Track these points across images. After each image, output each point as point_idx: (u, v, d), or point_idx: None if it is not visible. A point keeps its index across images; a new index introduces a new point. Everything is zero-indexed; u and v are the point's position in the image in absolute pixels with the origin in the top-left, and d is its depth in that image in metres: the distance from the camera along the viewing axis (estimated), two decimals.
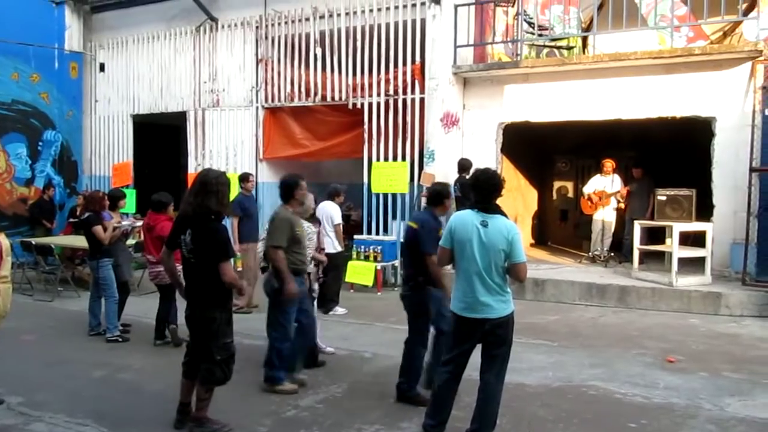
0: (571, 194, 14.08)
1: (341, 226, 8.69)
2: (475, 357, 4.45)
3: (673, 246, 8.97)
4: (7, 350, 6.01)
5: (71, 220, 12.12)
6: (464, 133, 10.97)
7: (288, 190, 5.67)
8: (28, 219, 12.91)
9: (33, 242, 10.33)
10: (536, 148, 13.58)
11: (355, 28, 11.11)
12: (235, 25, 12.37)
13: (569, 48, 11.80)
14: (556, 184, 14.35)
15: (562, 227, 14.14)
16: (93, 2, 14.02)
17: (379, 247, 10.25)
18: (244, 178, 9.12)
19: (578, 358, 6.62)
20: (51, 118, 13.70)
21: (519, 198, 13.17)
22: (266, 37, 12.06)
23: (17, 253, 9.72)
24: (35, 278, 10.45)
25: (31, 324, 7.86)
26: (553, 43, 11.83)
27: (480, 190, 4.41)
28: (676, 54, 9.32)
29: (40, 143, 13.58)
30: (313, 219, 6.91)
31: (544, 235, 14.24)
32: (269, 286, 5.53)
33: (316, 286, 6.83)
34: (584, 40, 11.78)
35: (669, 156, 11.67)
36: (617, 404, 5.33)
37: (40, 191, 13.25)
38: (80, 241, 8.91)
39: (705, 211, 9.40)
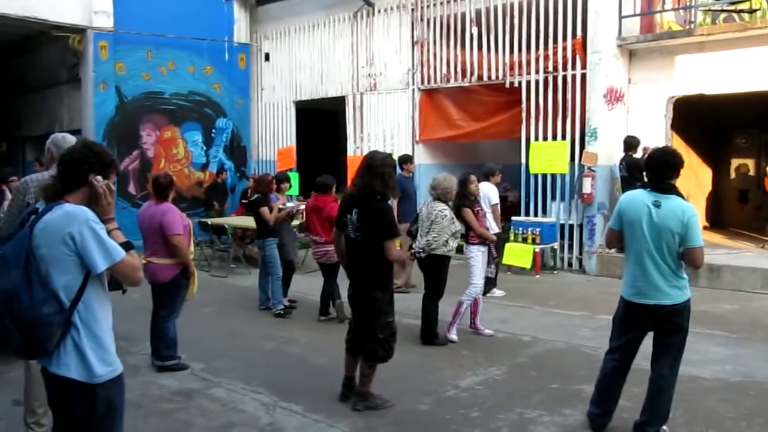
0: (752, 172, 12.87)
1: (499, 206, 8.54)
2: (644, 344, 4.21)
3: None
4: (189, 321, 6.54)
5: (243, 201, 12.95)
6: (629, 109, 10.35)
7: None
8: (203, 201, 13.97)
9: (209, 222, 11.16)
10: (711, 122, 12.53)
11: (512, 4, 10.81)
12: (391, 8, 12.51)
13: (753, 11, 10.69)
14: (735, 162, 13.18)
15: (741, 209, 12.98)
16: None
17: (537, 229, 9.98)
18: (406, 159, 9.29)
19: (762, 352, 6.08)
20: (222, 107, 14.68)
21: (691, 177, 12.24)
22: (422, 19, 12.08)
23: (196, 233, 10.57)
24: (211, 255, 11.29)
25: (208, 297, 8.48)
26: (732, 7, 10.78)
27: (653, 168, 4.14)
28: None
29: (214, 130, 14.60)
30: (476, 201, 6.85)
31: (719, 217, 13.15)
32: None
33: (493, 267, 6.78)
34: None
35: None
36: None
37: (214, 175, 14.28)
38: (250, 222, 9.49)
39: None
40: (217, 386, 5.32)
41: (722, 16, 10.85)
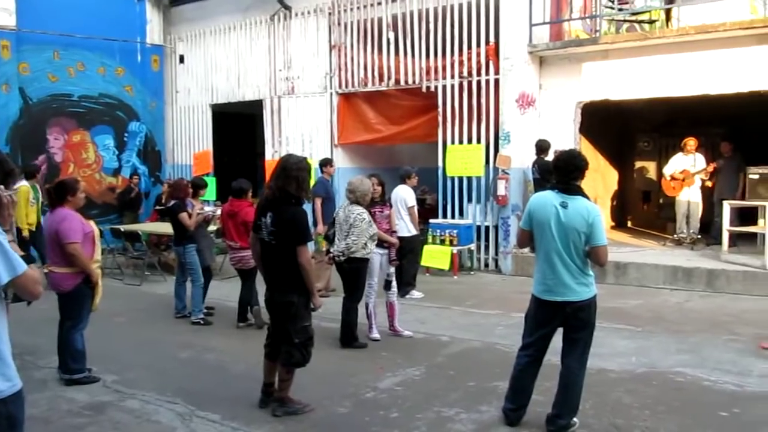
0: (653, 174, 13.56)
1: (416, 208, 8.67)
2: (556, 340, 4.37)
3: (766, 227, 8.51)
4: (100, 331, 6.32)
5: (157, 207, 12.61)
6: (541, 113, 10.71)
7: None
8: (116, 207, 13.50)
9: (122, 229, 10.80)
10: (616, 127, 13.13)
11: (427, 10, 11.01)
12: (308, 12, 12.48)
13: (651, 22, 11.31)
14: (638, 164, 13.83)
15: (644, 209, 13.65)
16: None
17: (454, 231, 10.18)
18: (326, 162, 9.48)
19: (663, 344, 6.41)
20: (135, 110, 14.25)
21: (599, 179, 12.79)
22: (339, 23, 12.12)
23: (108, 240, 10.21)
24: (124, 263, 10.93)
25: (121, 306, 8.23)
26: (634, 18, 11.37)
27: (560, 170, 4.31)
28: None
29: (126, 134, 14.16)
30: (383, 202, 6.91)
31: (625, 217, 13.80)
32: None
33: (392, 269, 6.88)
34: (667, 12, 11.25)
35: (763, 132, 11.04)
36: (707, 392, 5.13)
37: (127, 180, 13.83)
38: (165, 228, 9.25)
39: None
40: (130, 398, 5.16)
41: (625, 26, 11.41)
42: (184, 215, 7.53)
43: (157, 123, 14.69)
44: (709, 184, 10.65)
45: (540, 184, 9.30)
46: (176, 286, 7.94)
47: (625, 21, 11.40)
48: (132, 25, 14.10)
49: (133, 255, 10.84)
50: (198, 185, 8.43)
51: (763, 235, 8.57)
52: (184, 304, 7.82)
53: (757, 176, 8.84)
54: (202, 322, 7.50)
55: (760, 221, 8.83)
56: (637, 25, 11.38)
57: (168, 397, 5.13)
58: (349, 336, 6.46)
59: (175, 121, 14.83)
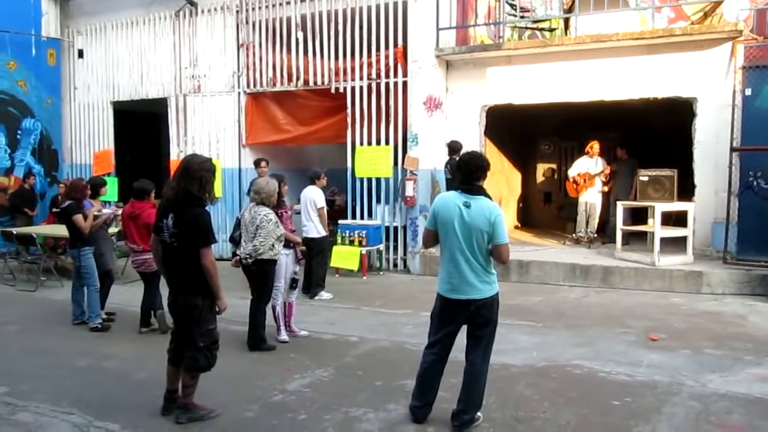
0: (554, 176, 14.14)
1: (325, 209, 8.65)
2: (461, 338, 4.48)
3: (655, 226, 9.05)
4: None
5: (54, 210, 11.99)
6: (447, 116, 10.95)
7: None
8: (8, 209, 12.75)
9: (14, 232, 10.22)
10: (520, 130, 13.59)
11: (336, 12, 11.03)
12: (215, 9, 12.23)
13: (551, 30, 11.81)
14: (540, 167, 14.40)
15: (546, 209, 14.21)
16: None
17: (363, 232, 10.24)
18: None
19: (563, 338, 6.69)
20: (29, 107, 13.49)
21: (503, 180, 13.21)
22: (247, 22, 11.94)
23: None
24: (17, 268, 10.35)
25: (14, 314, 7.80)
26: (535, 25, 11.84)
27: (463, 171, 4.42)
28: (658, 35, 9.34)
29: (19, 132, 13.37)
30: (280, 204, 6.84)
31: (528, 217, 14.31)
32: None
33: (297, 268, 6.86)
34: (566, 21, 11.77)
35: (653, 137, 11.73)
36: (601, 383, 5.39)
37: (20, 180, 13.08)
38: (62, 231, 8.82)
39: (687, 191, 9.49)
40: (22, 410, 4.88)
41: (527, 33, 11.86)
42: (79, 217, 7.20)
43: (54, 120, 13.96)
44: (605, 189, 11.18)
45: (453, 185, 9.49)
46: (73, 291, 7.59)
47: (527, 28, 11.84)
48: (26, 17, 13.32)
49: (27, 259, 10.28)
50: (97, 184, 8.10)
51: (652, 233, 9.10)
52: (83, 309, 7.47)
53: (646, 178, 9.37)
54: (100, 327, 7.20)
55: (650, 221, 9.38)
56: (538, 33, 11.85)
57: (64, 408, 4.89)
58: (256, 338, 6.39)
59: (73, 119, 14.15)
